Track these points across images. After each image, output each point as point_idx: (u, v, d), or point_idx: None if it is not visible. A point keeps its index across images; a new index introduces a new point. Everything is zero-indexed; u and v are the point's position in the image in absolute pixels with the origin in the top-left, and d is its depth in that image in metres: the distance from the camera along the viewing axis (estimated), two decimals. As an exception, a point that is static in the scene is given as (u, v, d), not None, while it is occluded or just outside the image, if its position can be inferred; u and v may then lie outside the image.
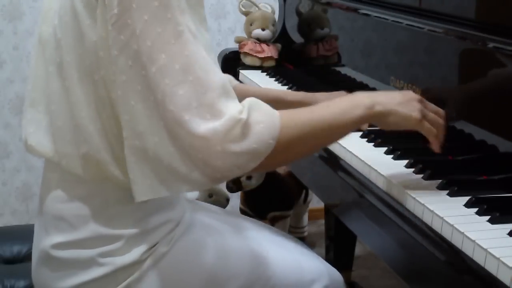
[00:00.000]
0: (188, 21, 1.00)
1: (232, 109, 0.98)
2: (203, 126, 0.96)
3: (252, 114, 0.99)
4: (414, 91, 1.43)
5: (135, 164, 1.02)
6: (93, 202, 1.11)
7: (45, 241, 1.16)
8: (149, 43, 0.97)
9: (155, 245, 1.16)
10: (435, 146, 1.13)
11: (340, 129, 1.08)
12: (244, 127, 0.97)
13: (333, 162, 1.36)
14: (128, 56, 0.98)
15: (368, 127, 1.40)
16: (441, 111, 1.15)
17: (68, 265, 1.14)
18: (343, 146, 1.35)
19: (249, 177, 2.33)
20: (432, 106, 1.15)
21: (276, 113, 1.01)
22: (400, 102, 1.09)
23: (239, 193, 2.50)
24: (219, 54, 2.17)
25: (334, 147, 1.39)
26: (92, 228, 1.12)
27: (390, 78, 1.53)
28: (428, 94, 1.41)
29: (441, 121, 1.13)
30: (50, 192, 1.15)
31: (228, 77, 1.43)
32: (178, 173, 1.00)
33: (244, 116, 0.98)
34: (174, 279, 1.18)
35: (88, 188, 1.11)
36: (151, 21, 0.97)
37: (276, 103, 1.29)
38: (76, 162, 1.09)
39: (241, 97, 1.07)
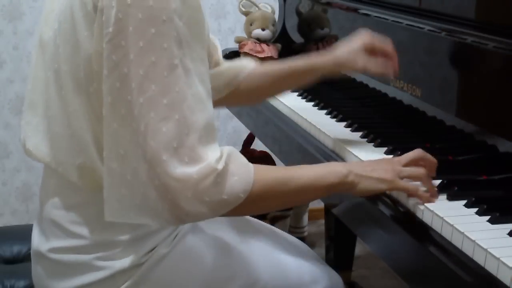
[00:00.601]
0: (183, 54, 0.98)
1: (211, 156, 0.98)
2: (179, 169, 0.96)
3: (228, 165, 0.99)
4: (414, 91, 1.44)
5: (110, 185, 1.01)
6: (89, 210, 1.11)
7: (43, 245, 1.16)
8: (142, 71, 0.96)
9: (154, 247, 1.15)
10: (424, 200, 1.08)
11: (311, 193, 1.10)
12: (218, 177, 0.98)
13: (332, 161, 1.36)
14: (117, 78, 0.97)
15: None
16: (417, 154, 1.14)
17: (66, 268, 1.14)
18: (343, 146, 1.35)
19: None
20: (406, 159, 1.13)
21: (251, 167, 1.02)
22: (372, 168, 1.11)
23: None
24: (219, 54, 2.17)
25: (335, 147, 1.39)
26: (89, 236, 1.11)
27: (390, 78, 1.53)
28: (428, 94, 1.41)
29: (419, 171, 1.11)
30: (48, 197, 1.15)
31: (245, 62, 1.44)
32: (149, 204, 0.99)
33: (220, 166, 0.98)
34: (174, 280, 1.18)
35: (84, 196, 1.11)
36: (147, 48, 0.95)
37: (293, 75, 1.39)
38: (72, 170, 1.09)
39: (265, 77, 1.23)
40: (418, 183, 1.10)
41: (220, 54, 1.44)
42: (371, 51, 1.32)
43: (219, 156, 0.99)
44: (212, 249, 1.23)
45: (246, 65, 1.44)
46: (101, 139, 1.03)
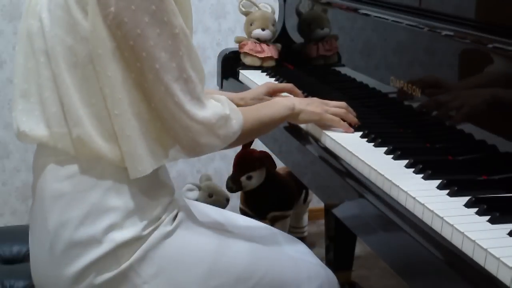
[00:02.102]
0: (181, 22, 1.14)
1: (212, 103, 1.22)
2: (199, 114, 1.17)
3: (230, 112, 1.24)
4: (414, 91, 1.44)
5: (135, 141, 1.15)
6: (89, 176, 1.17)
7: (46, 226, 1.18)
8: (152, 42, 1.11)
9: (155, 221, 1.19)
10: (344, 128, 1.44)
11: (273, 125, 1.41)
12: (227, 119, 1.23)
13: (333, 162, 1.36)
14: (125, 49, 1.11)
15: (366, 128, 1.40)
16: (342, 103, 1.49)
17: (70, 247, 1.16)
18: (343, 146, 1.35)
19: (249, 177, 2.34)
20: (333, 103, 1.48)
21: (241, 114, 1.28)
22: (307, 103, 1.45)
23: (239, 193, 2.50)
24: (219, 54, 2.17)
25: (334, 147, 1.39)
26: (90, 201, 1.16)
27: (390, 78, 1.53)
28: (428, 94, 1.41)
29: (341, 110, 1.47)
30: (46, 176, 1.19)
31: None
32: (165, 145, 1.19)
33: (227, 112, 1.23)
34: (178, 261, 1.20)
35: (84, 164, 1.17)
36: (151, 23, 1.11)
37: None
38: (69, 144, 1.16)
39: None
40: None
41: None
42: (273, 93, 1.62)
43: (221, 103, 1.24)
44: (212, 240, 1.26)
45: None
46: (95, 111, 1.14)
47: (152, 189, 1.20)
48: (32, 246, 1.24)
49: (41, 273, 1.22)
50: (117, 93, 1.13)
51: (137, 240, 1.17)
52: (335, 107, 1.46)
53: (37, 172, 1.22)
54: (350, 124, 1.45)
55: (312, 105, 1.44)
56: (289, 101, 1.44)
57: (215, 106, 1.21)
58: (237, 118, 1.25)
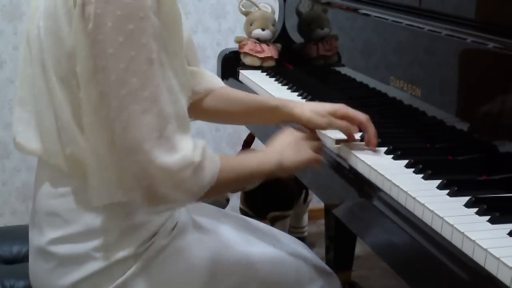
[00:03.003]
0: (159, 49, 1.03)
1: (186, 147, 1.06)
2: (160, 159, 1.02)
3: (203, 161, 1.07)
4: (414, 91, 1.44)
5: (98, 171, 1.08)
6: (82, 196, 1.13)
7: (40, 239, 1.17)
8: (122, 65, 1.01)
9: (151, 238, 1.17)
10: (315, 165, 1.30)
11: (254, 178, 1.30)
12: (194, 170, 1.06)
13: (333, 162, 1.36)
14: (99, 70, 1.02)
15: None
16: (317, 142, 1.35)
17: (64, 262, 1.15)
18: (345, 148, 1.35)
19: (249, 177, 2.33)
20: (309, 136, 1.33)
21: (218, 162, 1.11)
22: (297, 150, 1.26)
23: (239, 193, 2.50)
24: (219, 54, 2.17)
25: (334, 148, 1.39)
26: (85, 222, 1.13)
27: (390, 78, 1.53)
28: (428, 94, 1.41)
29: (320, 144, 1.34)
30: (42, 189, 1.17)
31: (215, 81, 1.45)
32: (127, 187, 1.07)
33: (196, 159, 1.06)
34: (173, 274, 1.19)
35: (76, 184, 1.14)
36: (126, 43, 1.00)
37: (259, 109, 1.42)
38: (62, 161, 1.12)
39: (227, 101, 1.29)
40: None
41: (197, 62, 1.43)
42: (341, 118, 1.35)
43: (193, 148, 1.07)
44: (211, 245, 1.24)
45: (210, 80, 1.43)
46: (86, 129, 1.08)
47: None
48: (30, 252, 1.23)
49: (37, 280, 1.22)
50: (85, 117, 1.06)
51: (133, 257, 1.15)
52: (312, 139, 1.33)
53: (36, 183, 1.21)
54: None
55: (301, 152, 1.28)
56: (280, 155, 1.25)
57: (185, 151, 1.05)
58: (211, 169, 1.08)
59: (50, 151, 1.13)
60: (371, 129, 1.31)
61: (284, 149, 1.27)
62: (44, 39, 1.09)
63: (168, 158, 1.03)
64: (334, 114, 1.34)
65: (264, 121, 1.52)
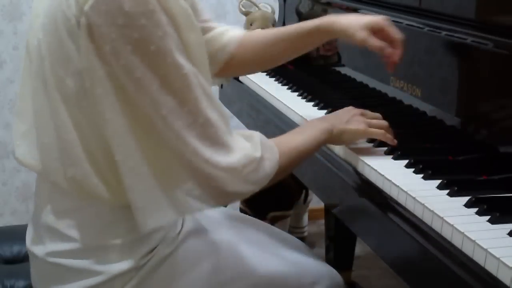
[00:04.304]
0: (186, 60, 1.01)
1: (242, 145, 1.09)
2: (224, 161, 1.05)
3: (263, 153, 1.11)
4: (414, 91, 1.44)
5: (144, 191, 1.04)
6: (82, 215, 1.11)
7: (40, 249, 1.15)
8: (155, 87, 0.98)
9: (153, 250, 1.15)
10: (390, 141, 1.30)
11: (311, 152, 1.26)
12: (258, 164, 1.09)
13: (334, 162, 1.36)
14: (127, 92, 0.99)
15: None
16: (378, 115, 1.35)
17: (64, 272, 1.13)
18: (345, 148, 1.35)
19: (249, 177, 2.33)
20: (371, 114, 1.34)
21: (276, 149, 1.14)
22: (347, 120, 1.29)
23: (239, 193, 2.49)
24: (219, 54, 2.17)
25: (334, 148, 1.39)
26: (85, 240, 1.11)
27: (390, 78, 1.53)
28: (428, 94, 1.41)
29: (384, 122, 1.32)
30: (42, 203, 1.15)
31: (237, 32, 1.43)
32: (187, 197, 1.06)
33: (258, 154, 1.09)
34: (177, 281, 1.18)
35: (77, 202, 1.10)
36: (152, 65, 0.97)
37: (299, 37, 1.40)
38: (62, 180, 1.08)
39: (263, 45, 1.29)
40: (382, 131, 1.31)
41: (208, 16, 1.39)
42: (377, 32, 1.31)
43: (250, 145, 1.10)
44: (214, 250, 1.23)
45: (234, 35, 1.41)
46: (93, 152, 1.05)
47: None
48: (31, 258, 1.21)
49: (37, 284, 1.21)
50: (119, 138, 1.01)
51: (134, 269, 1.13)
52: (374, 118, 1.33)
53: (36, 195, 1.19)
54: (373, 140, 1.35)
55: (353, 122, 1.29)
56: (327, 122, 1.28)
57: (244, 149, 1.08)
58: (271, 158, 1.12)
59: (49, 168, 1.09)
60: (399, 50, 1.30)
61: (332, 117, 1.31)
62: (45, 56, 1.04)
63: (230, 159, 1.05)
64: (371, 29, 1.30)
65: (308, 47, 1.49)
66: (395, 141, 1.30)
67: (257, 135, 1.13)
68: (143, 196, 1.04)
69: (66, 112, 1.04)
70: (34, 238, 1.18)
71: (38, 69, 1.07)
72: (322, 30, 1.36)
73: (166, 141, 1.02)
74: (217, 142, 1.04)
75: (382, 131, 1.30)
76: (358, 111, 1.33)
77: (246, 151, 1.08)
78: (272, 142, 1.15)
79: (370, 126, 1.30)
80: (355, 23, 1.31)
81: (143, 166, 1.02)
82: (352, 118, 1.29)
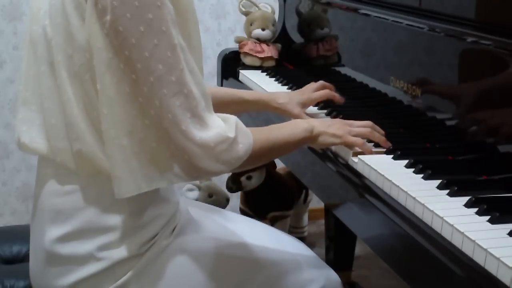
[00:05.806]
0: (177, 33, 1.07)
1: (218, 123, 1.12)
2: (198, 136, 1.08)
3: (237, 135, 1.13)
4: (414, 91, 1.44)
5: (122, 161, 1.08)
6: (88, 193, 1.14)
7: (43, 238, 1.17)
8: (147, 53, 1.04)
9: (153, 238, 1.17)
10: (382, 143, 1.33)
11: (287, 148, 1.29)
12: (230, 145, 1.12)
13: (334, 162, 1.36)
14: (120, 60, 1.05)
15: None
16: (368, 122, 1.35)
17: (66, 261, 1.15)
18: (345, 149, 1.35)
19: (249, 177, 2.33)
20: (358, 123, 1.34)
21: (250, 134, 1.17)
22: (329, 125, 1.32)
23: (239, 193, 2.50)
24: (219, 54, 2.17)
25: (334, 148, 1.39)
26: (88, 218, 1.14)
27: (390, 78, 1.53)
28: (428, 94, 1.41)
29: (367, 129, 1.33)
30: (45, 188, 1.17)
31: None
32: (160, 168, 1.10)
33: (231, 135, 1.12)
34: (175, 273, 1.19)
35: (82, 181, 1.14)
36: (147, 32, 1.04)
37: (238, 103, 1.53)
38: (69, 158, 1.13)
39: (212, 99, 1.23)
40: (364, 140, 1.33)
41: None
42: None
43: (225, 125, 1.12)
44: (211, 245, 1.25)
45: None
46: (96, 125, 1.10)
47: (153, 206, 1.17)
48: (31, 253, 1.24)
49: (37, 280, 1.22)
50: (108, 107, 1.06)
51: (135, 257, 1.15)
52: (359, 127, 1.33)
53: (38, 182, 1.21)
54: (378, 144, 1.34)
55: (333, 127, 1.31)
56: (308, 123, 1.31)
57: (219, 127, 1.11)
58: (244, 142, 1.14)
59: (57, 148, 1.13)
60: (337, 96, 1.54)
61: (317, 120, 1.36)
62: (52, 37, 1.10)
63: (204, 135, 1.09)
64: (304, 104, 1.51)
65: (240, 112, 1.56)
66: (389, 143, 1.33)
67: (233, 118, 1.16)
68: (120, 167, 1.08)
69: (71, 89, 1.10)
70: (36, 229, 1.19)
71: (44, 53, 1.13)
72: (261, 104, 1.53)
73: (149, 108, 1.06)
74: (196, 114, 1.08)
75: (361, 140, 1.31)
76: (346, 121, 1.36)
77: (220, 129, 1.11)
78: (248, 128, 1.18)
79: (352, 134, 1.31)
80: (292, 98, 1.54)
81: (124, 137, 1.07)
82: (335, 125, 1.32)
